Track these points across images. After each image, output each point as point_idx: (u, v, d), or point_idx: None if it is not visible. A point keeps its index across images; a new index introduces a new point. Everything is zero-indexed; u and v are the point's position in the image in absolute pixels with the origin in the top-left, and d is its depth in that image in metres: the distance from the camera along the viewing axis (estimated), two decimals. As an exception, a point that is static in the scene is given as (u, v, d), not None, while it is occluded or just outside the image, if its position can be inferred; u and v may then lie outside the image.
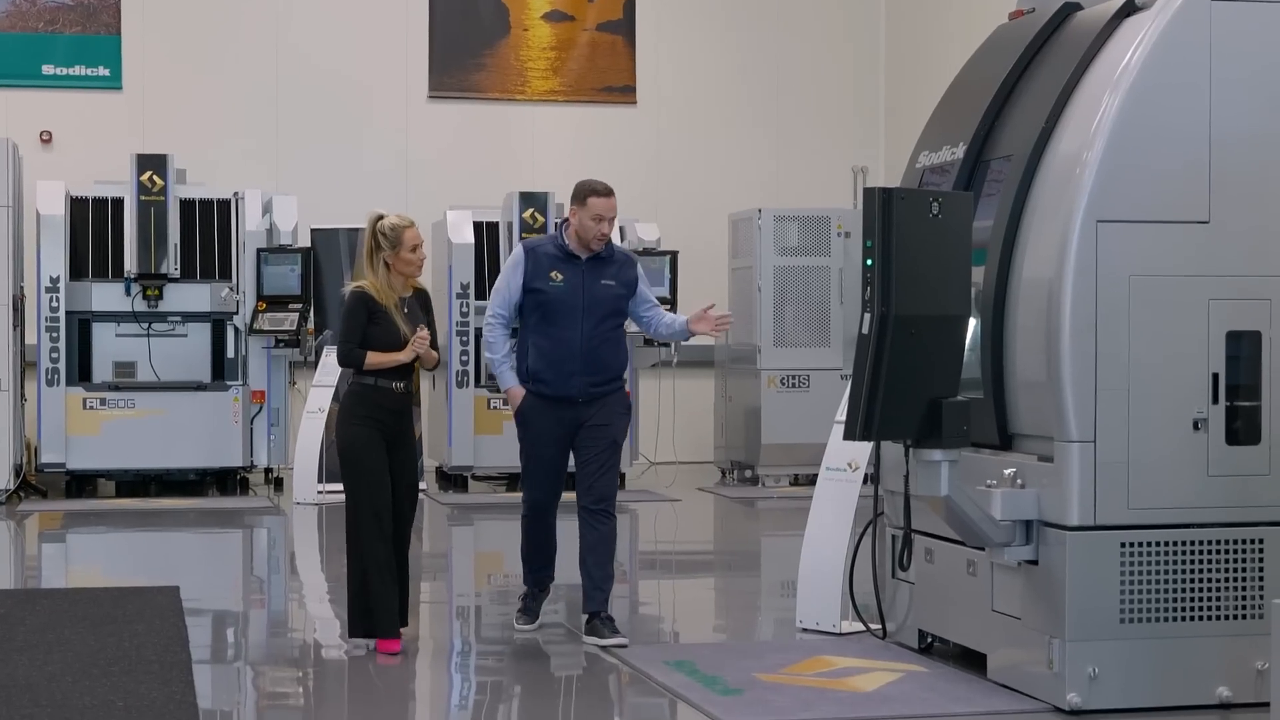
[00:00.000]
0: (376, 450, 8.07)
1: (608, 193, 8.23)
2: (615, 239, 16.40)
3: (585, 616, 8.28)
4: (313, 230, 15.96)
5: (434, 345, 8.20)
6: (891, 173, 17.40)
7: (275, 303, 15.30)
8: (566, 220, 8.34)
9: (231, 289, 15.37)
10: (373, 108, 18.05)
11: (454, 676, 8.11)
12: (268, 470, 15.77)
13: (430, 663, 8.27)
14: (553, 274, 8.20)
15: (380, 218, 8.07)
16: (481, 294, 15.71)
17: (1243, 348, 6.69)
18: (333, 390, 14.74)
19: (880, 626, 8.10)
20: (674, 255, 15.97)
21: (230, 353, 15.45)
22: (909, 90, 17.89)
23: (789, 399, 15.80)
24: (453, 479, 15.70)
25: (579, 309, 8.19)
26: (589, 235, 8.18)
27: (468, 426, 15.34)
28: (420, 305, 8.26)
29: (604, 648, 8.08)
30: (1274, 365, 6.68)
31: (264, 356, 15.43)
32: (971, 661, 7.35)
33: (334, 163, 17.71)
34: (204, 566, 11.82)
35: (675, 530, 13.91)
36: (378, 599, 8.12)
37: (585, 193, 8.22)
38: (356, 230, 15.94)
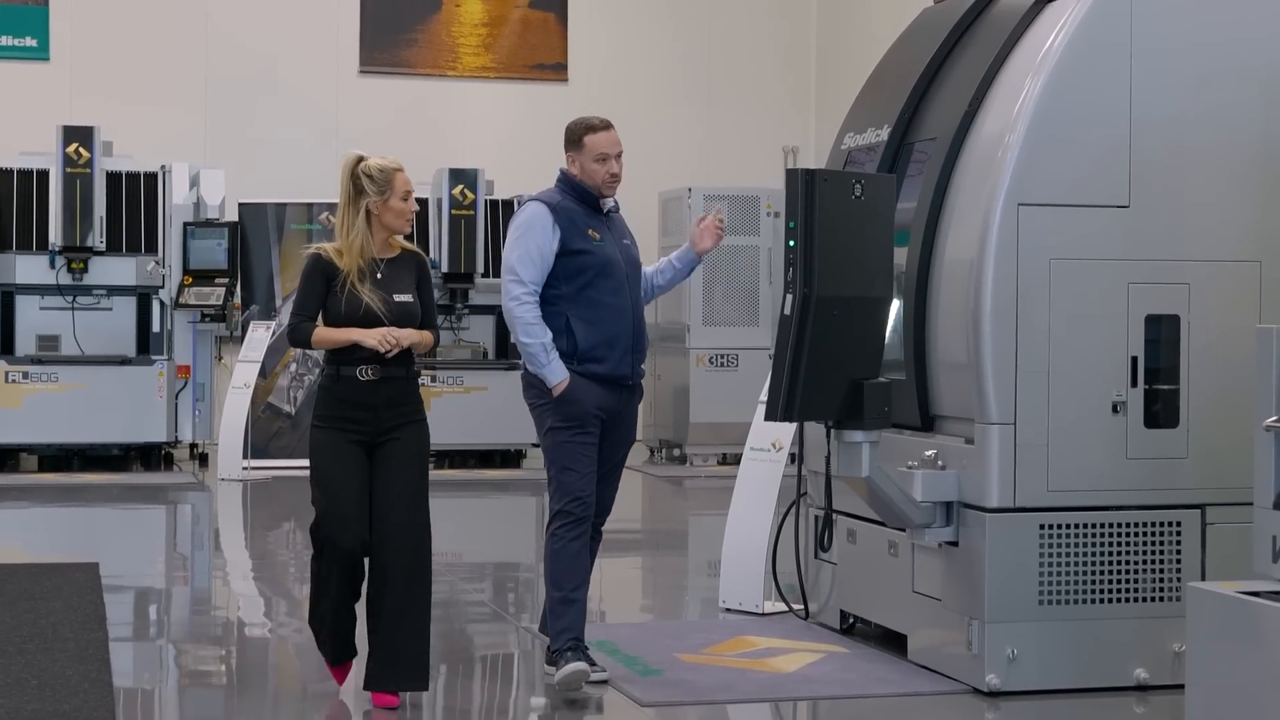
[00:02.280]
0: (343, 460, 6.49)
1: (606, 125, 6.99)
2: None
3: (550, 645, 6.94)
4: (240, 204, 15.86)
5: (429, 322, 6.67)
6: (822, 153, 17.38)
7: (201, 277, 15.22)
8: (565, 173, 7.00)
9: (157, 263, 15.28)
10: (303, 82, 17.94)
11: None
12: (192, 446, 15.71)
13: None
14: (590, 231, 6.88)
15: (361, 159, 6.61)
16: (410, 270, 15.63)
17: (1162, 331, 6.73)
18: (258, 365, 14.67)
19: (803, 607, 8.12)
20: (604, 233, 15.94)
21: (155, 327, 15.37)
22: (841, 72, 17.91)
23: (717, 378, 15.82)
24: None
25: (623, 271, 6.93)
26: (596, 180, 6.89)
27: (395, 403, 15.26)
28: (410, 271, 6.69)
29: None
30: (1192, 349, 6.73)
31: (190, 331, 15.36)
32: (892, 642, 7.38)
33: (263, 137, 17.60)
34: (126, 543, 11.74)
35: (602, 509, 13.89)
36: (331, 622, 6.64)
37: (580, 132, 6.95)
38: (285, 205, 15.89)
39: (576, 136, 6.95)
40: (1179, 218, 6.72)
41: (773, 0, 19.10)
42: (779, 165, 18.62)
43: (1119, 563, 6.69)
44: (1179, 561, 6.73)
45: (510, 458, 15.82)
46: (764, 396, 8.05)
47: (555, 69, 18.59)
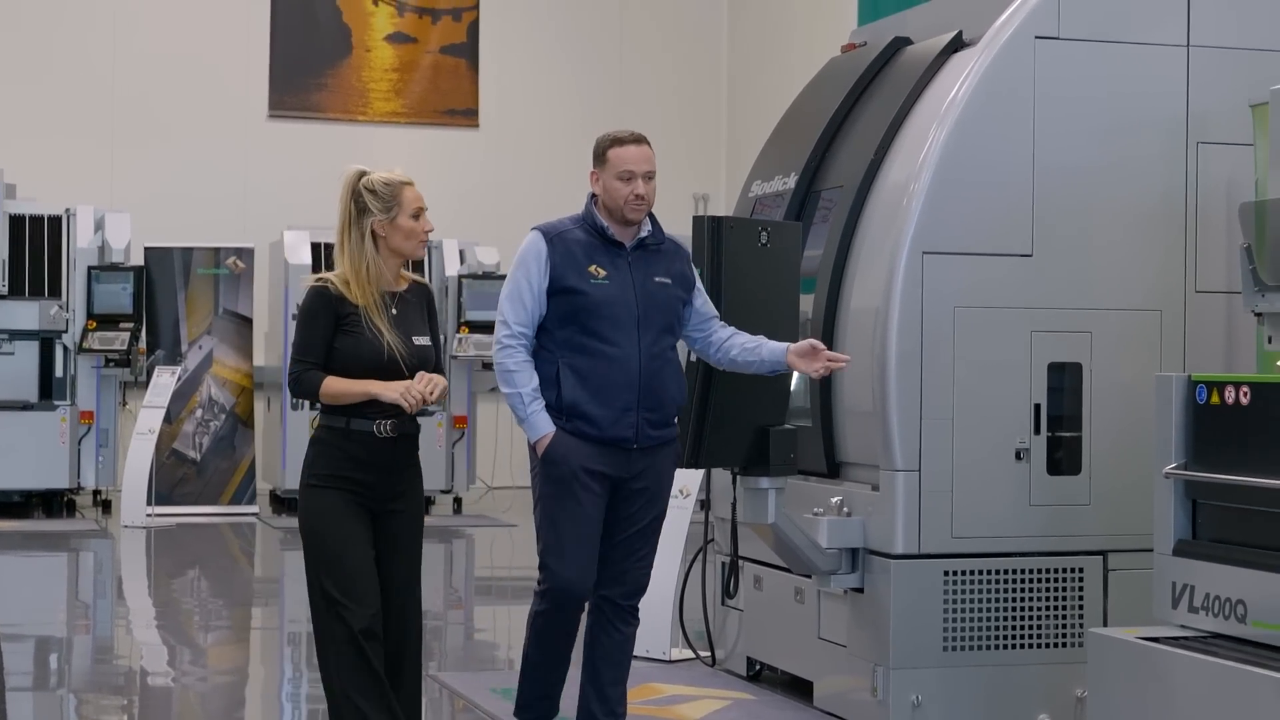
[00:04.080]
0: (349, 527, 5.60)
1: (637, 140, 6.07)
2: (454, 260, 16.55)
3: None
4: (146, 248, 15.76)
5: (439, 366, 5.79)
6: (732, 200, 17.47)
7: (106, 321, 15.08)
8: (594, 195, 6.14)
9: (61, 307, 15.12)
10: (211, 125, 17.84)
11: (284, 705, 8.01)
12: (96, 492, 15.53)
13: (260, 691, 8.17)
14: (592, 268, 5.95)
15: (363, 173, 5.71)
16: (319, 316, 15.55)
17: (1064, 379, 6.79)
18: (163, 411, 14.54)
19: (709, 653, 8.12)
20: (514, 279, 15.94)
21: (59, 372, 15.20)
22: (751, 119, 18.01)
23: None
24: (286, 502, 15.53)
25: (633, 316, 5.93)
26: (618, 200, 5.98)
27: (301, 448, 15.13)
28: (421, 307, 5.81)
29: None
30: (1094, 396, 6.79)
31: (94, 376, 15.21)
32: (799, 689, 7.39)
33: (170, 180, 17.48)
34: (26, 591, 11.57)
35: (511, 555, 13.84)
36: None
37: (605, 145, 6.07)
38: (192, 249, 15.78)
39: (601, 150, 6.10)
40: (1081, 266, 6.79)
41: (684, 48, 19.20)
42: (689, 212, 18.67)
43: (1022, 608, 6.73)
44: (1081, 607, 6.78)
45: (418, 504, 15.72)
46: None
47: (466, 114, 18.59)
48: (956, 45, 7.02)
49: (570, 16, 18.97)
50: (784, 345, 6.08)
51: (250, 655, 8.96)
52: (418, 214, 5.73)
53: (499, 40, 18.73)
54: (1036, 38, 6.72)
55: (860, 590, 6.78)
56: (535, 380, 5.90)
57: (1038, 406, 6.74)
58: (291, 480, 15.14)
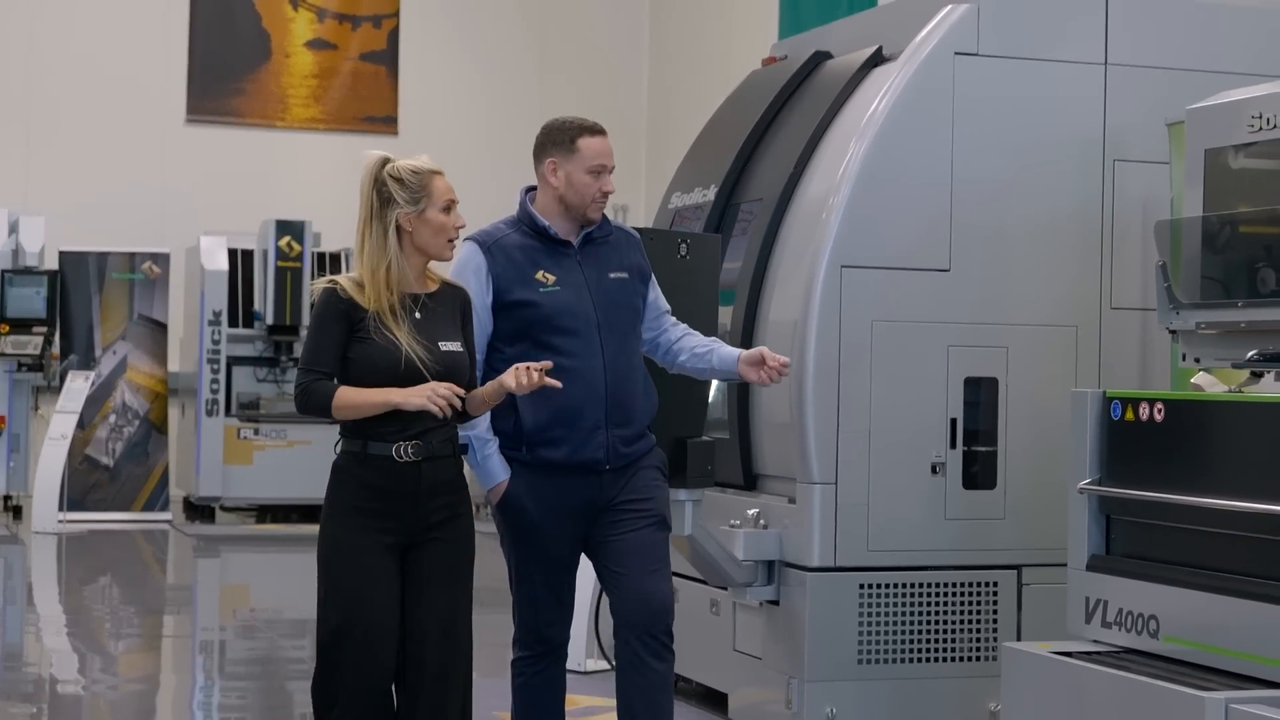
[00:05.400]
0: (373, 573, 4.90)
1: (602, 131, 5.42)
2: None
3: None
4: (61, 253, 15.62)
5: (471, 377, 5.05)
6: (652, 212, 17.49)
7: (19, 326, 14.94)
8: (531, 189, 5.49)
9: (-27, 311, 14.96)
10: (128, 129, 17.69)
11: (195, 714, 7.94)
12: (6, 498, 15.37)
13: (171, 700, 8.09)
14: (539, 274, 5.32)
15: (387, 160, 5.04)
16: (236, 321, 15.48)
17: (980, 394, 6.82)
18: (76, 416, 14.40)
19: (625, 664, 8.08)
20: (432, 288, 15.90)
21: (-30, 376, 15.04)
22: (670, 131, 18.03)
23: (545, 434, 15.78)
24: (200, 509, 15.41)
25: (592, 322, 5.32)
26: (585, 196, 5.33)
27: (216, 455, 15.09)
28: (454, 311, 5.08)
29: None
30: (1010, 411, 6.83)
31: (6, 380, 15.05)
32: (713, 701, 7.38)
33: (86, 184, 17.31)
34: (-65, 597, 11.44)
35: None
36: None
37: (573, 133, 5.37)
38: (107, 254, 15.65)
39: (567, 138, 5.37)
40: (998, 282, 6.82)
41: (604, 59, 19.20)
42: (608, 222, 18.67)
43: (937, 622, 6.76)
44: (995, 621, 6.81)
45: (334, 512, 15.63)
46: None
47: (385, 121, 18.52)
48: (877, 60, 7.05)
49: (491, 25, 18.93)
50: (735, 353, 5.57)
51: (162, 663, 8.88)
52: (449, 207, 5.03)
53: (419, 47, 18.67)
54: (956, 54, 6.75)
55: (776, 603, 6.79)
56: (486, 418, 5.26)
57: (954, 421, 6.76)
58: (206, 487, 15.04)
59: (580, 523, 5.35)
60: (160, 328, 15.85)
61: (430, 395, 4.81)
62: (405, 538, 4.92)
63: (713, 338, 5.74)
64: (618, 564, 5.32)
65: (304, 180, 18.03)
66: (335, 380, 4.89)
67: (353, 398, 4.86)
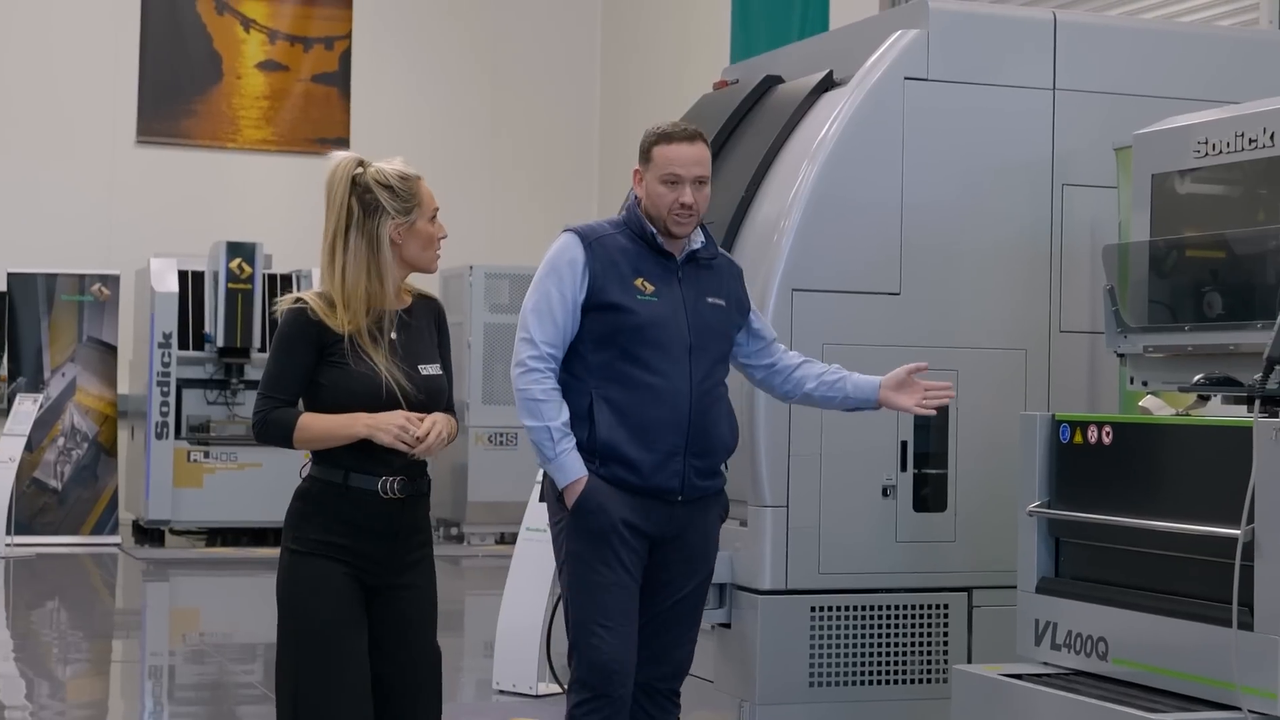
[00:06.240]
0: (340, 605, 4.52)
1: (689, 137, 5.09)
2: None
3: None
4: (9, 274, 15.55)
5: (449, 403, 4.70)
6: (603, 233, 17.56)
7: (-35, 348, 14.85)
8: (637, 197, 5.19)
9: (-80, 333, 14.88)
10: (78, 150, 17.62)
11: (141, 739, 7.90)
12: (-47, 522, 15.25)
13: (116, 724, 8.05)
14: (639, 281, 5.03)
15: (361, 162, 4.66)
16: (186, 343, 15.41)
17: (931, 417, 6.83)
18: (24, 439, 14.31)
19: (576, 688, 8.07)
20: (383, 310, 15.88)
21: (-83, 399, 14.94)
22: (624, 152, 18.04)
23: (497, 457, 15.78)
24: (149, 533, 15.33)
25: (684, 342, 5.04)
26: (661, 209, 5.04)
27: (166, 478, 15.01)
28: (429, 327, 4.74)
29: None
30: (960, 434, 6.85)
31: (-48, 404, 14.96)
32: (665, 724, 7.37)
33: (35, 205, 17.23)
34: (-120, 622, 11.35)
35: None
36: None
37: (651, 140, 5.10)
38: (56, 275, 15.57)
39: (647, 145, 5.12)
40: (948, 305, 6.85)
41: (557, 80, 19.22)
42: (560, 245, 18.69)
43: (888, 645, 6.77)
44: (946, 643, 6.82)
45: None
46: (540, 477, 8.03)
47: (337, 143, 18.46)
48: (827, 84, 7.07)
49: (443, 46, 18.93)
50: (874, 379, 5.29)
51: (110, 689, 8.82)
52: (433, 216, 4.71)
53: (371, 69, 18.66)
54: (906, 78, 6.78)
55: (727, 625, 6.79)
56: (566, 413, 4.96)
57: (904, 444, 6.78)
58: (156, 510, 14.95)
59: (646, 548, 5.03)
60: (110, 350, 15.77)
61: (398, 434, 4.45)
62: (377, 579, 4.55)
63: (835, 364, 5.48)
64: (653, 619, 5.09)
65: (255, 202, 17.98)
66: (299, 407, 4.54)
67: (318, 426, 4.48)
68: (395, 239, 4.57)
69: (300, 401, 4.55)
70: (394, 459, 4.51)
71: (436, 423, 4.54)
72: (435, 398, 4.63)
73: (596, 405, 4.94)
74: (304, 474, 4.59)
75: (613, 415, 4.94)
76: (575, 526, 4.97)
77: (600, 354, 4.99)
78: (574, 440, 4.96)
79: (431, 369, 4.64)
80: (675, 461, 4.98)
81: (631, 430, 4.95)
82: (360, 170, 4.61)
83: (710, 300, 5.14)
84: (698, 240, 5.17)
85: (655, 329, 4.98)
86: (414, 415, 4.51)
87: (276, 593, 4.54)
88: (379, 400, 4.48)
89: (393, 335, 4.56)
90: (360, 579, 4.53)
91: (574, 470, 4.94)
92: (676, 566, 5.10)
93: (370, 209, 4.55)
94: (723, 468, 5.19)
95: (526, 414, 5.02)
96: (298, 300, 4.55)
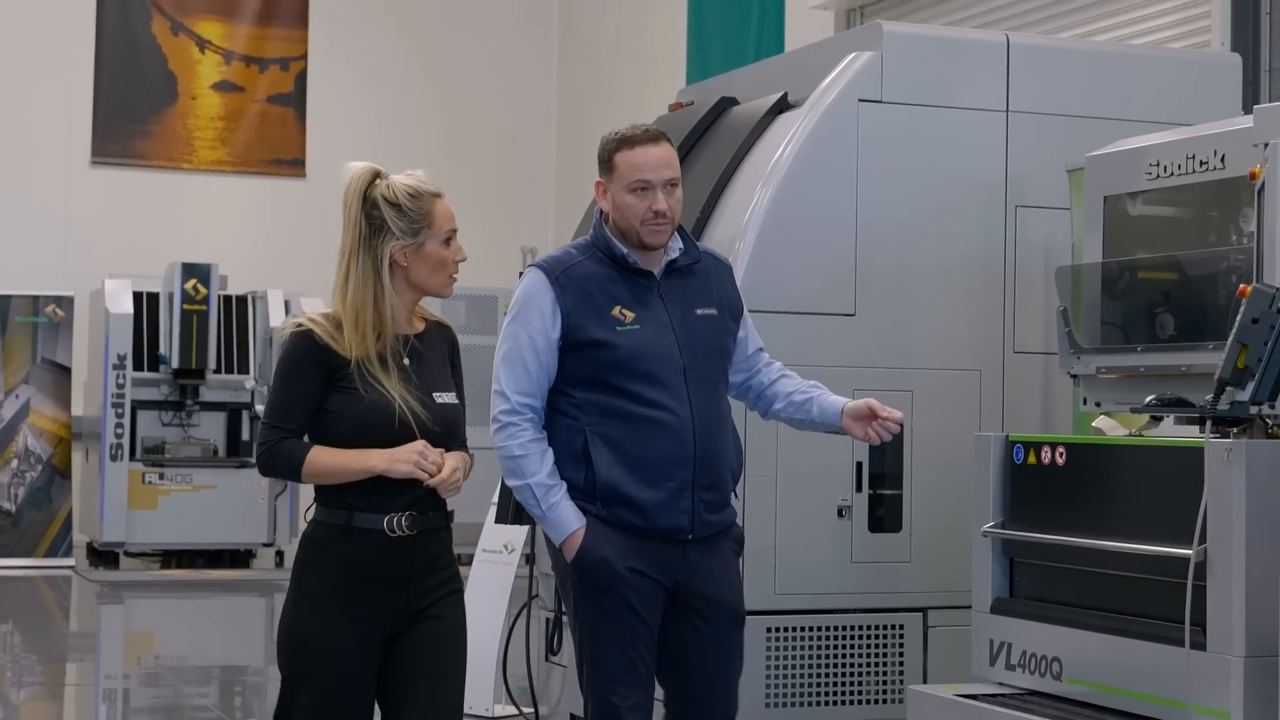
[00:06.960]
0: (349, 658, 4.23)
1: (653, 138, 4.72)
2: (279, 312, 16.40)
3: None
4: (-38, 296, 15.44)
5: (461, 438, 4.46)
6: (560, 254, 17.55)
7: (-81, 370, 14.76)
8: (602, 212, 4.82)
9: (-128, 355, 14.78)
10: (31, 170, 17.54)
11: (95, 763, 7.85)
12: (-93, 545, 15.15)
13: (69, 748, 7.99)
14: (616, 309, 4.67)
15: (377, 175, 4.35)
16: (141, 365, 15.35)
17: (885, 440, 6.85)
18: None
19: (533, 710, 8.07)
20: (340, 331, 15.84)
21: None
22: (579, 173, 18.08)
23: (453, 477, 15.73)
24: (104, 555, 15.25)
25: (677, 367, 4.67)
26: (632, 220, 4.67)
27: (121, 500, 14.93)
28: (443, 354, 4.50)
29: None
30: (915, 455, 6.87)
31: (-95, 426, 14.86)
32: (621, 745, 7.35)
33: (-12, 226, 17.15)
34: None
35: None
36: None
37: (610, 148, 4.74)
38: (9, 297, 15.48)
39: (606, 154, 4.74)
40: (903, 326, 6.87)
41: (512, 101, 19.23)
42: (517, 265, 18.65)
43: (844, 665, 6.77)
44: (902, 664, 6.83)
45: (239, 558, 15.51)
46: (496, 499, 8.03)
47: (293, 164, 18.45)
48: (782, 106, 7.09)
49: (398, 67, 18.92)
50: (839, 403, 4.94)
51: (64, 713, 8.76)
52: (450, 238, 4.37)
53: (327, 90, 18.63)
54: (860, 100, 6.81)
55: (684, 647, 6.77)
56: (549, 462, 4.64)
57: (860, 464, 6.80)
58: (110, 533, 14.87)
59: (660, 595, 4.65)
60: (64, 371, 15.69)
61: (417, 461, 4.20)
62: (391, 626, 4.26)
63: (813, 382, 5.11)
64: (690, 679, 4.72)
65: (210, 223, 17.93)
66: (306, 439, 4.25)
67: (328, 460, 4.19)
68: (400, 261, 4.28)
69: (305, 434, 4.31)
70: (403, 493, 4.24)
71: (456, 469, 4.31)
72: (451, 429, 4.38)
73: (592, 443, 4.61)
74: (308, 518, 4.34)
75: (611, 453, 4.60)
76: (580, 581, 4.65)
77: (588, 392, 4.64)
78: (563, 488, 4.64)
79: (447, 397, 4.38)
80: (684, 498, 4.62)
81: (632, 468, 4.60)
82: (374, 184, 4.33)
83: (700, 312, 4.76)
84: (675, 248, 4.77)
85: (642, 360, 4.63)
86: (425, 447, 4.25)
87: (277, 638, 4.32)
88: (391, 429, 4.21)
89: (405, 361, 4.30)
90: (370, 625, 4.24)
91: (568, 523, 4.62)
92: (705, 616, 4.70)
93: (376, 227, 4.29)
94: (732, 497, 4.86)
95: (508, 473, 4.72)
96: (305, 323, 4.28)
